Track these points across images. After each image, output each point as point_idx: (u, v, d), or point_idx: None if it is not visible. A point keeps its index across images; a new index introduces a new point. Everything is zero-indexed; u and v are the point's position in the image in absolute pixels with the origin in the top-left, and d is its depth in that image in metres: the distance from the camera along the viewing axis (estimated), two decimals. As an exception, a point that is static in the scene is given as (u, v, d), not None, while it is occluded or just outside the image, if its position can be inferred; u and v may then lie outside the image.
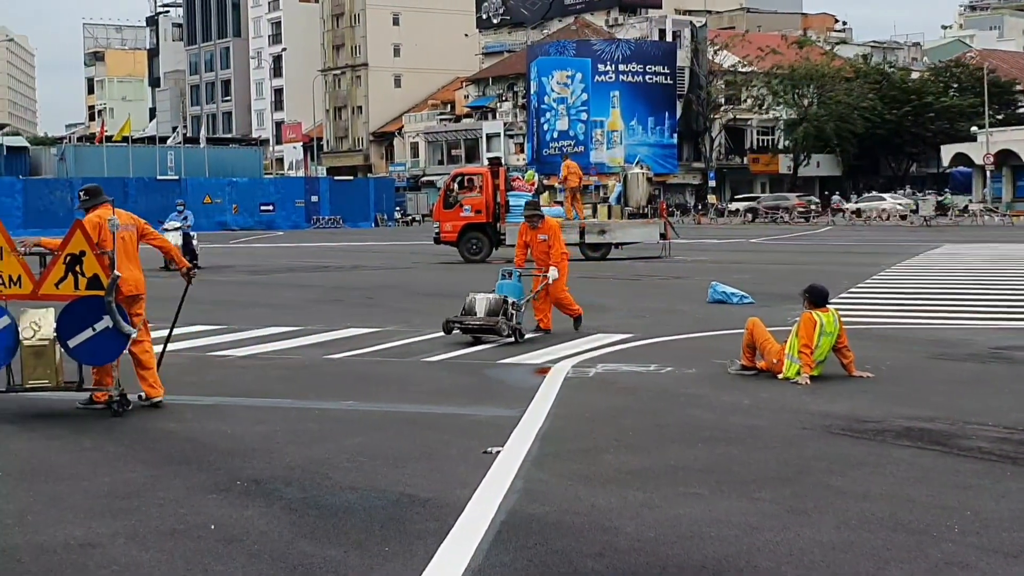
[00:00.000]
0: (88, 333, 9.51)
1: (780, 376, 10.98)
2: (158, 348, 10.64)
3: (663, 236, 34.06)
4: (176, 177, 73.69)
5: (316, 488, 7.13)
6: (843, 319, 11.43)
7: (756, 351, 11.39)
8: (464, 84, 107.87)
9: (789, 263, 30.37)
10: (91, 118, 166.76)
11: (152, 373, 10.12)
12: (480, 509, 6.57)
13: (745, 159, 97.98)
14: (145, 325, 10.26)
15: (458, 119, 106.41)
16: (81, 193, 10.49)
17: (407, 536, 6.12)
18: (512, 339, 13.76)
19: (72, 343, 9.57)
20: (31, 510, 6.68)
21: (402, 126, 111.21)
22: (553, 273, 14.64)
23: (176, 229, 30.80)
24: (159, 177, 73.28)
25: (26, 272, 9.72)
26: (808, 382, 10.73)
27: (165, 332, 11.54)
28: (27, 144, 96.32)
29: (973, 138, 79.91)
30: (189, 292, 11.15)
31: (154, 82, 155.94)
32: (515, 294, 14.28)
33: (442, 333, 14.10)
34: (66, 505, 6.79)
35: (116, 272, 9.54)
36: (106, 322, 9.50)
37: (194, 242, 31.75)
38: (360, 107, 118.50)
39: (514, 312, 13.91)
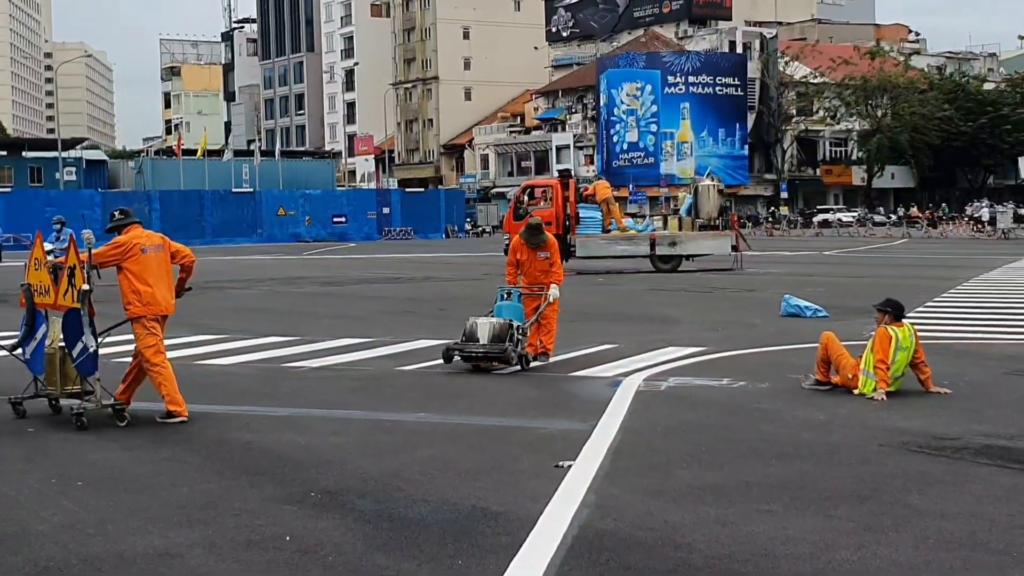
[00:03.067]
0: (80, 344, 9.91)
1: (856, 392, 10.86)
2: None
3: (735, 248, 33.84)
4: (251, 190, 74.63)
5: (389, 500, 7.17)
6: (920, 334, 11.27)
7: (831, 366, 11.27)
8: (534, 97, 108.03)
9: (864, 276, 30.03)
10: (167, 132, 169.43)
11: (135, 388, 10.35)
12: (552, 523, 6.55)
13: (818, 170, 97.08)
14: (161, 343, 10.43)
15: (528, 131, 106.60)
16: (116, 213, 10.72)
17: (479, 550, 6.13)
18: (519, 367, 12.84)
19: (73, 352, 9.97)
20: (111, 519, 6.79)
21: (472, 138, 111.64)
22: (554, 291, 13.64)
23: (49, 252, 25.52)
24: (234, 190, 74.21)
25: (52, 284, 10.18)
26: (884, 398, 10.59)
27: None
28: (106, 157, 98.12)
29: (1051, 150, 78.53)
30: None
31: (229, 96, 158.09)
32: (518, 317, 13.27)
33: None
34: (145, 515, 6.89)
35: (86, 286, 9.80)
36: (88, 334, 9.85)
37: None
38: (431, 120, 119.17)
39: (520, 338, 12.94)
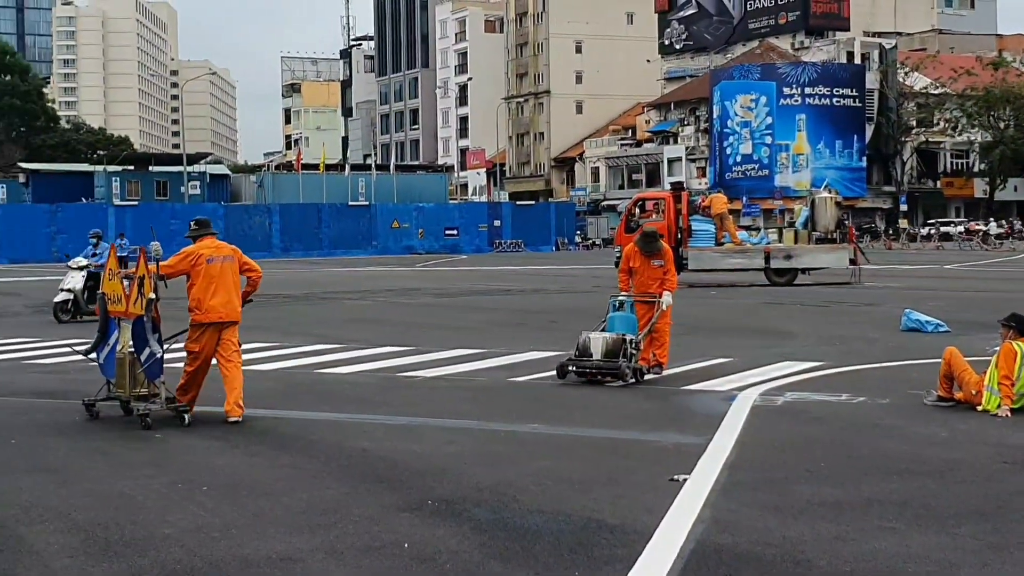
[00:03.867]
0: (147, 350, 10.46)
1: (979, 408, 10.62)
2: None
3: (852, 262, 33.30)
4: (367, 203, 75.63)
5: (504, 510, 7.21)
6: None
7: (954, 382, 11.03)
8: (645, 109, 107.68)
9: (986, 290, 29.33)
10: (287, 146, 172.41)
11: (236, 394, 10.65)
12: (668, 537, 6.53)
13: (938, 183, 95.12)
14: (238, 348, 10.92)
15: (639, 144, 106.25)
16: (193, 223, 11.22)
17: (595, 562, 6.13)
18: (633, 381, 12.67)
19: (141, 357, 10.51)
20: (235, 524, 6.94)
21: (583, 151, 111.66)
22: (667, 298, 13.43)
23: (82, 268, 22.82)
24: (350, 203, 75.28)
25: (123, 293, 10.75)
26: (1009, 415, 10.35)
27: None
28: (228, 172, 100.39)
29: None
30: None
31: (347, 112, 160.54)
32: (631, 328, 13.10)
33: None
34: (267, 520, 7.02)
35: (152, 295, 10.41)
36: (153, 340, 10.40)
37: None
38: (542, 133, 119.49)
39: (634, 352, 12.80)
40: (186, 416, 10.46)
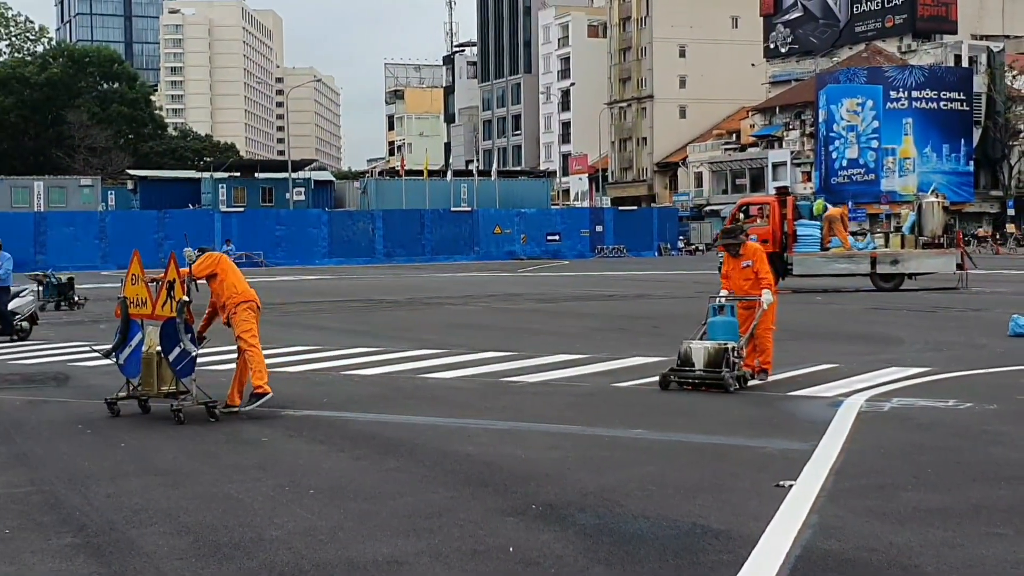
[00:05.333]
0: (177, 349, 11.14)
1: (1092, 416, 10.40)
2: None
3: (960, 267, 32.70)
4: (469, 209, 76.05)
5: (609, 515, 7.24)
6: None
7: (1065, 389, 10.82)
8: (750, 113, 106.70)
9: (1100, 296, 28.59)
10: (391, 153, 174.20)
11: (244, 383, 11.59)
12: (774, 543, 6.51)
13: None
14: (257, 328, 11.82)
15: (743, 148, 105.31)
16: (196, 252, 12.09)
17: (701, 567, 6.14)
18: (736, 388, 12.54)
19: (170, 356, 11.20)
20: (342, 527, 7.06)
21: (686, 156, 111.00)
22: (767, 296, 13.10)
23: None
24: (452, 209, 75.77)
25: (149, 296, 11.59)
26: (1124, 423, 10.12)
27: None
28: (332, 178, 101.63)
29: None
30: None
31: (449, 118, 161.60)
32: (732, 334, 12.91)
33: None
34: (374, 523, 7.13)
35: (185, 298, 11.18)
36: (187, 340, 11.04)
37: (16, 301, 20.99)
38: (645, 138, 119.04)
39: (736, 360, 12.61)
40: (216, 410, 11.14)
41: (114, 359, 11.87)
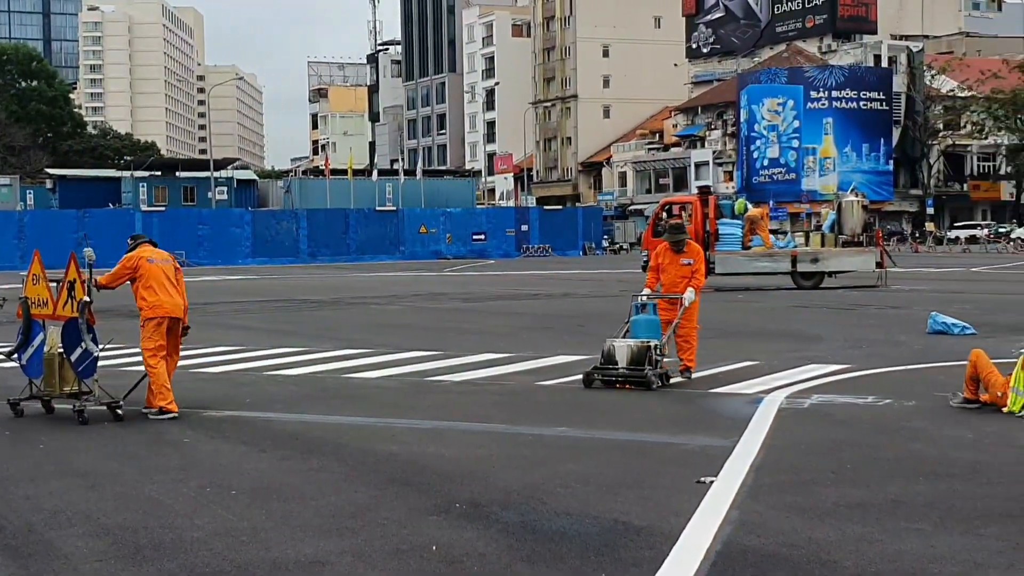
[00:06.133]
0: (79, 349, 10.98)
1: (1005, 410, 10.61)
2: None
3: (879, 265, 33.26)
4: (394, 208, 75.83)
5: (532, 513, 7.25)
6: (1074, 352, 10.98)
7: (980, 384, 11.03)
8: (673, 113, 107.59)
9: (1013, 293, 29.20)
10: (315, 152, 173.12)
11: (169, 389, 11.20)
12: (695, 539, 6.56)
13: (965, 186, 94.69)
14: (178, 348, 11.66)
15: (666, 148, 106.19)
16: (129, 240, 11.94)
17: (622, 563, 6.17)
18: (659, 385, 12.60)
19: (72, 357, 11.04)
20: (264, 528, 7.00)
21: (610, 156, 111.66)
22: (690, 295, 13.25)
23: None
24: (378, 208, 75.50)
25: (50, 296, 11.40)
26: (1036, 417, 10.35)
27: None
28: (255, 177, 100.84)
29: None
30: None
31: (374, 117, 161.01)
32: (655, 332, 12.99)
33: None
34: (296, 523, 7.08)
35: (86, 298, 11.00)
36: (88, 340, 10.93)
37: None
38: (569, 138, 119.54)
39: (659, 358, 12.70)
40: (119, 411, 10.98)
41: (16, 360, 11.73)
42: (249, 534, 6.85)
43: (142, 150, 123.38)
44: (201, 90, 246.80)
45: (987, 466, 8.49)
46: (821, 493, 7.69)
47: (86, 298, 11.00)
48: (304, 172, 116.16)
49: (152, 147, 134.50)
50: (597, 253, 77.14)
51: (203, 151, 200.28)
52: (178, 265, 11.84)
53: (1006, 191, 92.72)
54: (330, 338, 19.51)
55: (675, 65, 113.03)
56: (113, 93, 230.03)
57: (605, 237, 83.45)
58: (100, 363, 11.36)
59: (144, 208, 74.47)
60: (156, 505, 7.62)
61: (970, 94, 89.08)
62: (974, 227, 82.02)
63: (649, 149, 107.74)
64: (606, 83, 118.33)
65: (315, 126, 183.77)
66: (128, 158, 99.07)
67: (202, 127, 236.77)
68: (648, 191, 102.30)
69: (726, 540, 6.54)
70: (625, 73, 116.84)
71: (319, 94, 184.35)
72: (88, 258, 11.25)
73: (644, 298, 13.59)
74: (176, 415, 11.01)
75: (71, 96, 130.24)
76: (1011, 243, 69.27)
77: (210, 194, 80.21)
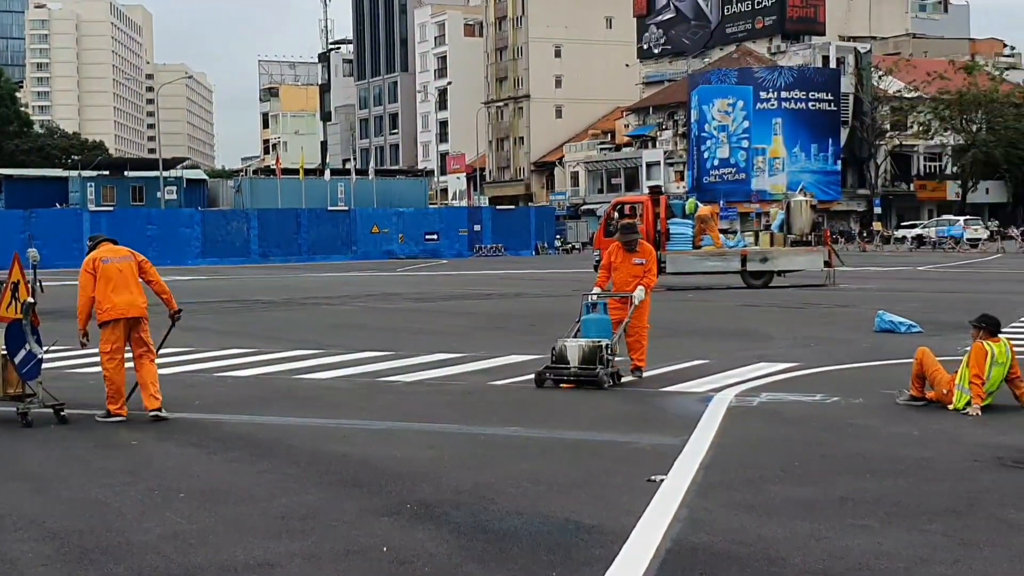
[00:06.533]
0: (23, 351, 10.87)
1: (950, 407, 10.76)
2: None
3: (827, 264, 33.56)
4: (346, 208, 75.55)
5: (483, 513, 7.26)
6: (1016, 349, 11.14)
7: (925, 381, 11.17)
8: (624, 114, 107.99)
9: (958, 291, 29.57)
10: (266, 151, 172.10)
11: (152, 387, 11.02)
12: (645, 537, 6.60)
13: (911, 186, 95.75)
14: (149, 346, 11.30)
15: (618, 148, 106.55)
16: (88, 240, 11.78)
17: (573, 562, 6.19)
18: (611, 385, 12.69)
19: (16, 359, 10.87)
20: (213, 531, 6.96)
21: (563, 156, 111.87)
22: (639, 293, 13.32)
23: None
24: (329, 208, 75.20)
25: None
26: (979, 413, 10.48)
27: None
28: (205, 177, 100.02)
29: None
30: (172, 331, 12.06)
31: (325, 116, 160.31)
32: (606, 331, 13.07)
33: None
34: (246, 526, 7.05)
35: (31, 299, 10.92)
36: (33, 342, 10.86)
37: None
38: (522, 138, 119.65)
39: (609, 357, 12.78)
40: (63, 413, 10.87)
41: None
42: (198, 537, 6.81)
43: (90, 149, 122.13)
44: (150, 89, 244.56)
45: (932, 462, 8.61)
46: (769, 491, 7.76)
47: (30, 299, 10.87)
48: (255, 172, 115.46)
49: (100, 146, 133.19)
50: (550, 253, 77.26)
51: (152, 150, 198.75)
52: (143, 260, 11.46)
53: (951, 191, 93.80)
54: (281, 339, 19.42)
55: (627, 65, 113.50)
56: (60, 92, 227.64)
57: (558, 237, 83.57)
58: (44, 365, 11.25)
59: (92, 208, 73.67)
60: (103, 508, 7.56)
61: (917, 95, 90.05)
62: (912, 227, 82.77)
63: (601, 149, 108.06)
64: (558, 83, 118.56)
65: (266, 125, 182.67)
66: (76, 157, 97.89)
67: (151, 126, 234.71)
68: (600, 191, 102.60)
69: (676, 538, 6.59)
70: (577, 73, 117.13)
71: (270, 93, 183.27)
72: (32, 259, 11.12)
73: (594, 297, 13.66)
74: (124, 419, 10.91)
75: (17, 95, 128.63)
76: (958, 243, 70.05)
77: (159, 194, 79.53)
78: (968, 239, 71.39)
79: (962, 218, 78.31)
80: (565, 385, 12.76)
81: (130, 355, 11.23)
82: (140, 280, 11.38)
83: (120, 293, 11.10)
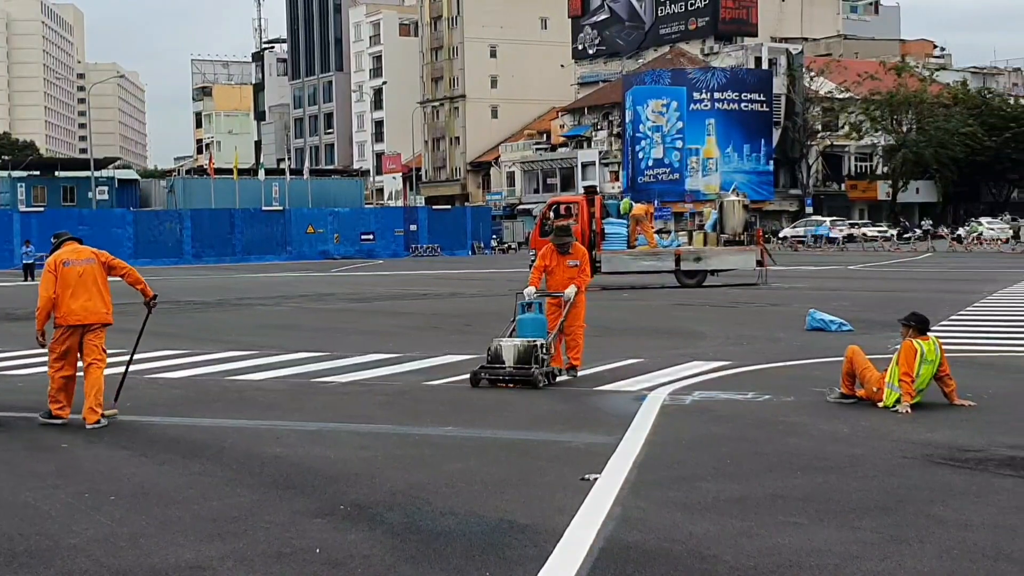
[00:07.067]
0: None
1: (880, 404, 10.89)
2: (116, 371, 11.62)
3: (759, 263, 33.85)
4: (280, 208, 75.05)
5: (417, 513, 7.25)
6: (944, 347, 11.30)
7: (856, 379, 11.30)
8: (560, 114, 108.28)
9: (888, 290, 29.97)
10: (199, 151, 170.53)
11: (95, 399, 10.67)
12: (578, 536, 6.62)
13: (843, 185, 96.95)
14: (103, 353, 10.99)
15: (554, 148, 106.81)
16: (52, 238, 11.53)
17: (506, 562, 6.20)
18: (546, 384, 12.76)
19: None
20: (143, 533, 6.89)
21: (499, 156, 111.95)
22: (570, 291, 13.46)
23: None
24: (264, 208, 74.66)
25: None
26: (909, 411, 10.62)
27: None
28: (137, 177, 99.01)
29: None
30: (150, 321, 12.14)
31: (259, 116, 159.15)
32: (541, 331, 13.13)
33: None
34: (177, 528, 6.98)
35: None
36: None
37: None
38: (458, 137, 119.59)
39: (545, 356, 12.87)
40: None
41: None
42: (128, 540, 6.74)
43: (20, 149, 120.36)
44: (82, 88, 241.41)
45: (862, 459, 8.70)
46: (702, 488, 7.81)
47: None
48: (188, 172, 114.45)
49: (31, 146, 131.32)
50: (486, 253, 77.26)
51: (84, 150, 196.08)
52: (108, 258, 11.21)
53: (882, 191, 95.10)
54: (214, 340, 19.25)
55: (562, 66, 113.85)
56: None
57: (494, 237, 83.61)
58: None
59: (22, 209, 72.54)
60: (32, 512, 7.45)
61: (848, 95, 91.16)
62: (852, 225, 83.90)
63: (537, 149, 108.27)
64: (494, 83, 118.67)
65: (199, 125, 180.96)
66: (5, 157, 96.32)
67: (83, 126, 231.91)
68: (536, 191, 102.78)
69: (609, 536, 6.61)
70: (513, 73, 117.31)
71: (203, 92, 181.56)
72: None
73: (528, 296, 13.70)
74: (65, 421, 10.72)
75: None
76: (888, 241, 71.06)
77: (91, 194, 78.52)
78: (830, 237, 73.15)
79: (828, 219, 79.99)
80: (502, 385, 12.78)
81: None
82: (109, 280, 11.13)
83: (78, 298, 10.83)
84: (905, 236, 74.57)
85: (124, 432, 10.41)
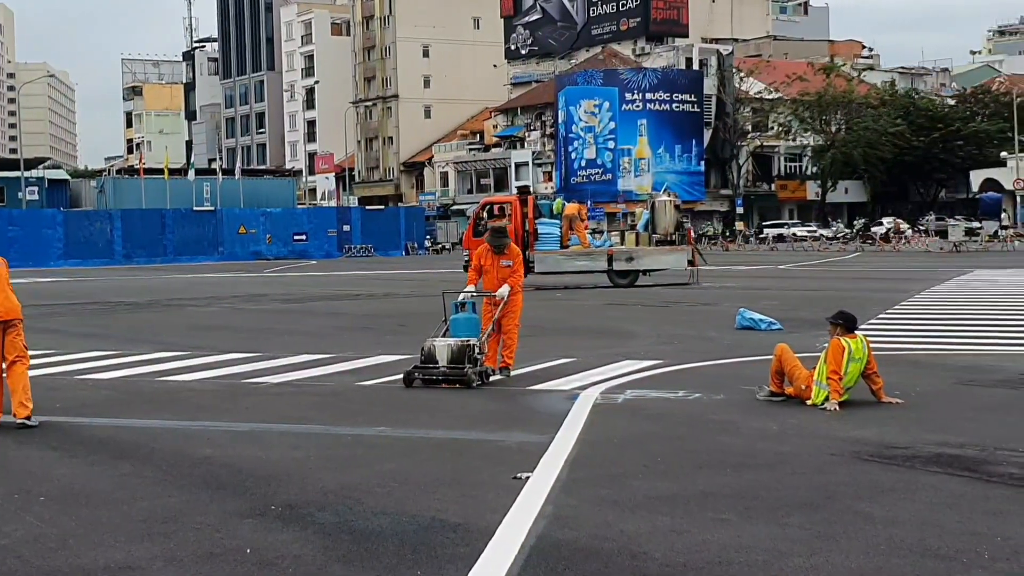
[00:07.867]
0: None
1: (809, 402, 11.02)
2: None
3: (691, 263, 34.10)
4: (212, 208, 74.41)
5: (349, 513, 7.24)
6: (872, 345, 11.44)
7: (784, 377, 11.43)
8: (493, 114, 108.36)
9: (817, 289, 30.31)
10: (129, 151, 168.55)
11: (23, 393, 10.60)
12: (510, 534, 6.65)
13: (772, 186, 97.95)
14: (24, 350, 10.85)
15: (487, 148, 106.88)
16: None
17: (438, 560, 6.21)
18: (480, 384, 12.79)
19: None
20: (72, 534, 6.83)
21: (432, 156, 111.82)
22: (503, 290, 13.58)
23: None
24: (195, 208, 73.97)
25: None
26: (837, 408, 10.75)
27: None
28: (68, 177, 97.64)
29: (1003, 163, 79.72)
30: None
31: (190, 115, 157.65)
32: (474, 330, 13.19)
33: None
34: (106, 529, 6.93)
35: None
36: None
37: None
38: (391, 138, 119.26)
39: (478, 356, 12.94)
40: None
41: None
42: (58, 541, 6.68)
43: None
44: (11, 88, 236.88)
45: (791, 457, 8.81)
46: (633, 486, 7.87)
47: None
48: (119, 172, 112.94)
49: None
50: (419, 253, 77.13)
51: (13, 150, 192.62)
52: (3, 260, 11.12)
53: (811, 191, 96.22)
54: (144, 341, 19.06)
55: (494, 66, 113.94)
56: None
57: (427, 237, 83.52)
58: None
59: (-50, 209, 71.37)
60: (-41, 515, 7.35)
61: (777, 96, 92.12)
62: (781, 226, 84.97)
63: (470, 149, 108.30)
64: (427, 83, 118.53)
65: (129, 124, 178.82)
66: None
67: (12, 126, 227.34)
68: (470, 191, 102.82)
69: (540, 534, 6.64)
70: (445, 73, 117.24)
71: (134, 92, 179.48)
72: None
73: (464, 296, 13.74)
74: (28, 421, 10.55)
75: None
76: (816, 241, 71.95)
77: (20, 194, 77.37)
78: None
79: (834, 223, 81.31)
80: (435, 384, 12.78)
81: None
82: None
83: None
84: (841, 236, 75.67)
85: (54, 433, 10.29)
